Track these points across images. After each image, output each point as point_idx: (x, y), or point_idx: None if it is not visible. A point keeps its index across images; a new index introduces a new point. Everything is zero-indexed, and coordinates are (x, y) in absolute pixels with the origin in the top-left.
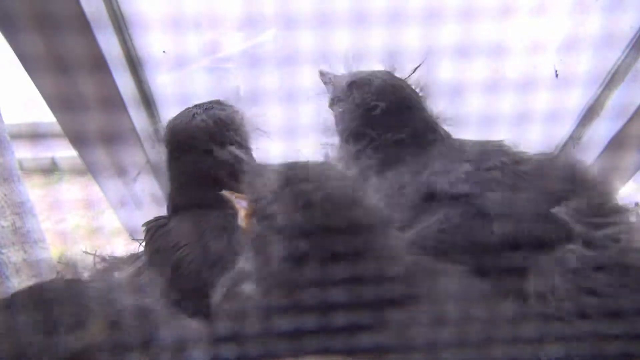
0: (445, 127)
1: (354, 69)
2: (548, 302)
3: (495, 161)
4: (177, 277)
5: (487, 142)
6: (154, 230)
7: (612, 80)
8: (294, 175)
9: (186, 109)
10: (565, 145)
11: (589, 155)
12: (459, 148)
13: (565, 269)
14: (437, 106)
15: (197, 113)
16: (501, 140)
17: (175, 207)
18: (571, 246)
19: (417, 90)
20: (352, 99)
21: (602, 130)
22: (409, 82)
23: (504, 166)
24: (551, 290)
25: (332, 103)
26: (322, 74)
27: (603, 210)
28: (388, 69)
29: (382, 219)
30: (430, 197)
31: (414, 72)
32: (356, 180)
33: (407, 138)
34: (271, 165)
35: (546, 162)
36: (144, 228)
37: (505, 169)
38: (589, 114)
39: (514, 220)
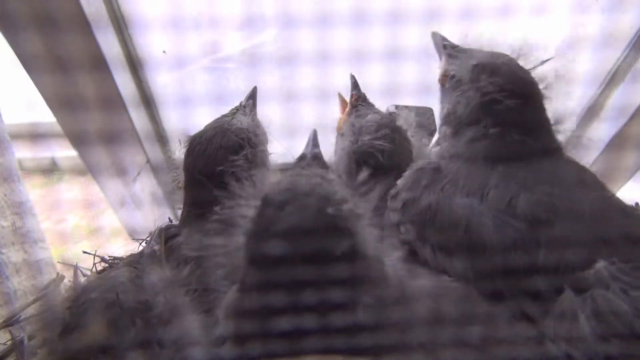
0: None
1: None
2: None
3: (584, 193)
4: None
5: (587, 172)
6: (164, 240)
7: (612, 80)
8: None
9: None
10: (565, 145)
11: (589, 155)
12: (558, 166)
13: (591, 308)
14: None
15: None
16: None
17: (189, 210)
18: (604, 292)
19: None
20: (476, 86)
21: (602, 130)
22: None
23: (590, 202)
24: (568, 323)
25: (449, 80)
26: (438, 38)
27: None
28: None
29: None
30: (512, 210)
31: (542, 64)
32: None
33: (522, 139)
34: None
35: (636, 217)
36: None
37: (588, 204)
38: (589, 114)
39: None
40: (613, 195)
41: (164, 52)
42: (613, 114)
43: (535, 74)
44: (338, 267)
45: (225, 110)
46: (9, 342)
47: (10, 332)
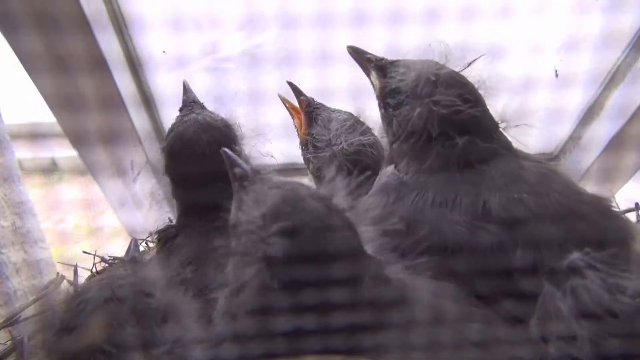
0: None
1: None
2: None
3: (548, 188)
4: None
5: (544, 165)
6: (164, 241)
7: (612, 80)
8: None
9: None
10: (565, 145)
11: (589, 155)
12: (519, 164)
13: (571, 299)
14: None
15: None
16: (556, 165)
17: (183, 211)
18: (582, 281)
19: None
20: (430, 99)
21: (602, 130)
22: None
23: (555, 196)
24: (553, 314)
25: (389, 95)
26: (360, 52)
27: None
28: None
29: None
30: (487, 214)
31: (468, 66)
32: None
33: (479, 143)
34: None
35: (598, 206)
36: (155, 236)
37: (554, 199)
38: (589, 114)
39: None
40: (574, 184)
41: (164, 52)
42: (613, 114)
43: (469, 76)
44: (340, 266)
45: (226, 110)
46: (9, 342)
47: (10, 332)
